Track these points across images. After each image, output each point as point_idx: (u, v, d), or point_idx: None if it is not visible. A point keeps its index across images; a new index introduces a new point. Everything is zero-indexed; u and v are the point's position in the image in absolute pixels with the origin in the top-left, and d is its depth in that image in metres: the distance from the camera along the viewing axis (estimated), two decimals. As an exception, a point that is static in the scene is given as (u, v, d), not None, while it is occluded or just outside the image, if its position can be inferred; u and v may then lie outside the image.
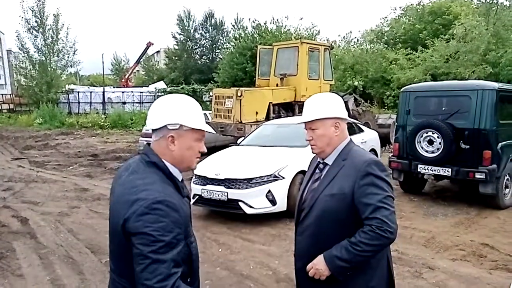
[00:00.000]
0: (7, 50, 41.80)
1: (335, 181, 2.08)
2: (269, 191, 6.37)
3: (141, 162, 1.72)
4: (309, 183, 2.26)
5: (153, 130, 1.72)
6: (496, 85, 7.14)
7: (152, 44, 43.72)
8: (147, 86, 37.18)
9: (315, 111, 2.15)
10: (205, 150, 1.81)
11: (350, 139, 2.23)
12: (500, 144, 6.89)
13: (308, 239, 2.16)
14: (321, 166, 2.23)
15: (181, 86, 28.97)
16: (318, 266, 2.03)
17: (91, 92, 33.27)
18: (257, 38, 25.74)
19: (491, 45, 18.55)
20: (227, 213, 6.67)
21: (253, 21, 28.36)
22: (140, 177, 1.65)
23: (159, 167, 1.69)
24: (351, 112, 13.12)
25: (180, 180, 1.75)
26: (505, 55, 17.71)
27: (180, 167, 1.75)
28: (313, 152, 2.24)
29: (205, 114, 14.19)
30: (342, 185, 2.04)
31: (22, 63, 33.48)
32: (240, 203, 6.33)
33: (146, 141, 7.54)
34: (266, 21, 28.03)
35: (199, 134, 1.74)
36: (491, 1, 19.34)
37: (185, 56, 40.59)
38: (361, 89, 24.31)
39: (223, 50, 37.18)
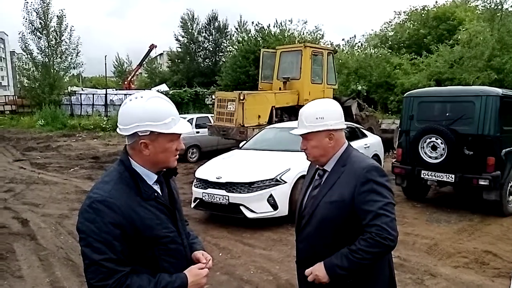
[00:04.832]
0: (10, 51, 41.83)
1: (335, 188, 2.05)
2: (271, 195, 6.33)
3: (116, 162, 1.73)
4: (309, 189, 2.24)
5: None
6: (500, 91, 7.09)
7: (155, 47, 43.73)
8: (150, 89, 37.17)
9: (307, 123, 2.10)
10: (183, 147, 1.75)
11: (349, 144, 2.19)
12: (504, 150, 6.84)
13: (309, 246, 2.15)
14: (320, 172, 2.20)
15: (184, 89, 28.97)
16: (318, 272, 2.02)
17: (93, 94, 33.27)
18: (260, 41, 25.75)
19: (496, 51, 18.47)
20: (227, 217, 6.64)
21: (256, 24, 28.43)
22: (103, 176, 1.68)
23: (125, 166, 1.66)
24: (354, 117, 13.07)
25: (153, 181, 1.70)
26: (509, 61, 17.64)
27: (154, 168, 1.70)
28: (307, 159, 2.22)
29: (207, 117, 14.21)
30: (342, 192, 2.01)
31: (25, 65, 33.53)
32: (241, 207, 6.31)
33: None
34: (269, 25, 28.25)
35: (174, 135, 1.67)
36: (495, 7, 19.26)
37: (188, 59, 40.66)
38: (365, 93, 24.26)
39: (226, 53, 37.23)
